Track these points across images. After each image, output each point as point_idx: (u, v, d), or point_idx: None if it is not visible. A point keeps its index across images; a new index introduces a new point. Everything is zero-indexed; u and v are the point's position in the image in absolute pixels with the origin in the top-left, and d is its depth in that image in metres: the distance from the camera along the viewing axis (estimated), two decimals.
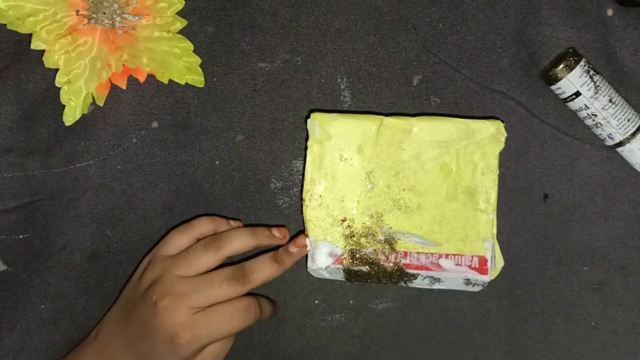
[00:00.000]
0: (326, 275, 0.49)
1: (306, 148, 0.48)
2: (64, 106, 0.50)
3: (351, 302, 0.51)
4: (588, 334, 0.51)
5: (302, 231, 0.48)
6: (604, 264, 0.51)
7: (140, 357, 0.44)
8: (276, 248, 0.47)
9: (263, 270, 0.45)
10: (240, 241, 0.46)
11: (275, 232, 0.48)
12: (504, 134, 0.48)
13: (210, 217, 0.49)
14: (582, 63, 0.49)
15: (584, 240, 0.51)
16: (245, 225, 0.50)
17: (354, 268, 0.47)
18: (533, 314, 0.51)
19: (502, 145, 0.48)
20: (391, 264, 0.47)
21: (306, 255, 0.48)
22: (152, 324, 0.43)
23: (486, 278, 0.47)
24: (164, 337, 0.42)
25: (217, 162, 0.52)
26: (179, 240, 0.47)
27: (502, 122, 0.48)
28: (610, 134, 0.49)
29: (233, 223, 0.49)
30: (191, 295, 0.43)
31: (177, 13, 0.51)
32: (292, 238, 0.48)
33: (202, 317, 0.43)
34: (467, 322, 0.51)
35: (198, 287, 0.43)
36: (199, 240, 0.47)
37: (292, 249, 0.46)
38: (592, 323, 0.51)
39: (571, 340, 0.51)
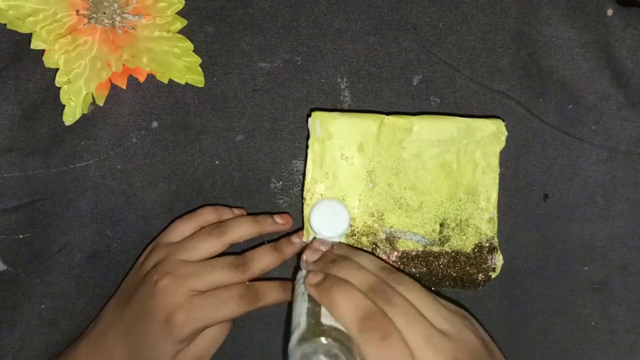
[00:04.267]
0: None
1: (307, 147, 0.48)
2: (64, 106, 0.50)
3: None
4: (588, 334, 0.51)
5: (302, 229, 0.48)
6: (604, 264, 0.51)
7: (135, 345, 0.44)
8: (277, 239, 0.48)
9: (263, 259, 0.46)
10: (243, 228, 0.47)
11: (278, 218, 0.49)
12: (504, 133, 0.48)
13: (213, 206, 0.50)
14: None
15: (584, 240, 0.51)
16: (247, 214, 0.51)
17: None
18: (533, 313, 0.51)
19: (502, 144, 0.48)
20: (392, 263, 0.47)
21: None
22: (150, 304, 0.43)
23: None
24: (161, 317, 0.43)
25: (217, 162, 0.51)
26: (182, 228, 0.48)
27: (503, 121, 0.48)
28: None
29: (236, 211, 0.50)
30: (191, 278, 0.44)
31: (177, 13, 0.51)
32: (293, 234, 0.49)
33: (198, 299, 0.43)
34: None
35: (199, 271, 0.44)
36: (202, 228, 0.48)
37: (295, 239, 0.48)
38: (592, 323, 0.51)
39: (571, 340, 0.51)
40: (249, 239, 0.48)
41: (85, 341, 0.46)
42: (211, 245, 0.46)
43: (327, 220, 0.46)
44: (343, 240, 0.47)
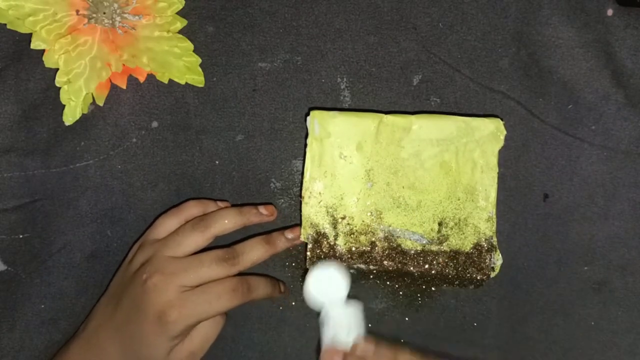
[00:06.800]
0: None
1: (306, 146, 0.48)
2: (64, 106, 0.50)
3: None
4: (588, 334, 0.51)
5: (297, 225, 0.49)
6: (604, 264, 0.51)
7: (128, 343, 0.44)
8: (269, 232, 0.48)
9: (253, 252, 0.46)
10: (227, 220, 0.47)
11: (262, 209, 0.49)
12: (503, 132, 0.48)
13: (198, 200, 0.50)
14: None
15: (584, 240, 0.51)
16: (233, 205, 0.50)
17: (353, 266, 0.47)
18: (533, 313, 0.51)
19: (501, 143, 0.48)
20: (391, 262, 0.47)
21: (305, 256, 0.48)
22: (141, 303, 0.43)
23: None
24: (153, 315, 0.43)
25: (217, 162, 0.52)
26: (168, 224, 0.48)
27: (502, 120, 0.48)
28: None
29: (221, 204, 0.50)
30: (181, 274, 0.44)
31: (177, 13, 0.51)
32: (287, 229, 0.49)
33: (190, 295, 0.43)
34: (467, 322, 0.51)
35: (188, 267, 0.44)
36: (187, 222, 0.48)
37: (289, 234, 0.48)
38: (592, 323, 0.51)
39: (571, 340, 0.51)
40: (236, 230, 0.47)
41: (77, 341, 0.46)
42: (196, 239, 0.46)
43: (325, 287, 0.45)
44: (341, 239, 0.47)
